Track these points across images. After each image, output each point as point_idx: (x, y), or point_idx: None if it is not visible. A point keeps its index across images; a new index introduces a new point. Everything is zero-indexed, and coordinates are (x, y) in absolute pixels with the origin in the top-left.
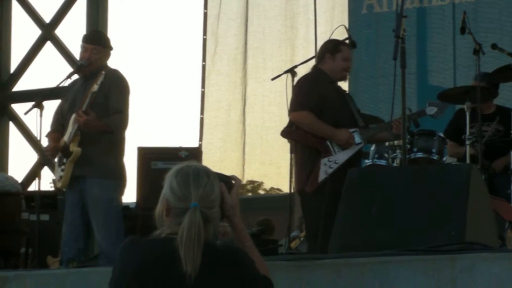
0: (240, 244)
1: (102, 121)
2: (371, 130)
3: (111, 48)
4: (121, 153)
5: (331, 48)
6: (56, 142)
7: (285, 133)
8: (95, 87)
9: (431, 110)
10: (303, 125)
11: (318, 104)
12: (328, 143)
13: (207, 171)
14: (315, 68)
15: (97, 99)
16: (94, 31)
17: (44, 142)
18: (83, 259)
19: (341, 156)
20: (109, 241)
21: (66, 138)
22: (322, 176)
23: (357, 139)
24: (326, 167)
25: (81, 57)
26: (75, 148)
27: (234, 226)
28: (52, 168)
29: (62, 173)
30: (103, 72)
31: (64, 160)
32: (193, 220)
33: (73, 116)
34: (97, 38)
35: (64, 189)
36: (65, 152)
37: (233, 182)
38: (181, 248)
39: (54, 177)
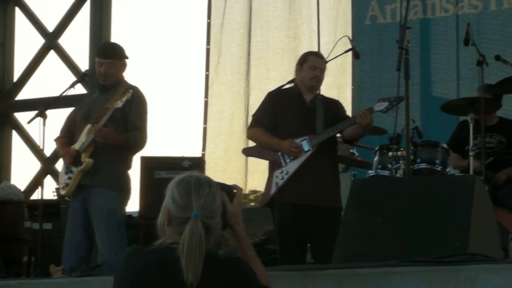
0: (242, 253)
1: (122, 135)
2: (323, 134)
3: (126, 58)
4: (128, 166)
5: (299, 60)
6: (67, 146)
7: (245, 151)
8: (119, 104)
9: (379, 106)
10: (255, 141)
11: (272, 118)
12: (280, 155)
13: (208, 181)
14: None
15: (116, 113)
16: (108, 44)
17: (48, 150)
18: (86, 267)
19: (292, 166)
20: (111, 251)
21: (77, 146)
22: (273, 189)
23: (305, 146)
24: (277, 179)
25: (97, 72)
26: (87, 159)
27: (236, 235)
28: (55, 177)
29: (68, 181)
30: (131, 91)
31: (73, 169)
32: (195, 230)
33: (88, 126)
34: (111, 52)
35: (67, 197)
36: (75, 160)
37: (235, 191)
38: (182, 257)
39: (58, 186)
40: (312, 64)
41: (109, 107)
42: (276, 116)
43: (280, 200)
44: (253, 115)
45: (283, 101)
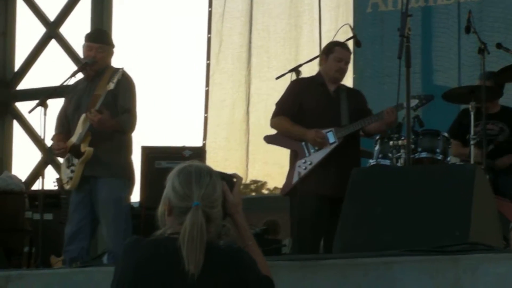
0: (242, 243)
1: (115, 119)
2: (349, 127)
3: (113, 46)
4: (129, 151)
5: (325, 49)
6: (60, 141)
7: (267, 138)
8: (111, 86)
9: (411, 102)
10: (279, 130)
11: (296, 107)
12: (303, 145)
13: (209, 170)
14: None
15: (108, 98)
16: (97, 30)
17: (49, 140)
18: (87, 258)
19: (316, 157)
20: (117, 240)
21: (74, 139)
22: (295, 178)
23: (331, 138)
24: (300, 169)
25: (85, 56)
26: (87, 148)
27: (236, 224)
28: (56, 167)
29: (71, 174)
30: (121, 70)
31: (74, 161)
32: (195, 220)
33: (83, 116)
34: (101, 37)
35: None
36: (74, 152)
37: (234, 180)
38: (183, 247)
39: (62, 177)
40: (337, 56)
41: (99, 93)
42: (300, 105)
43: (302, 190)
44: (277, 104)
45: (306, 90)
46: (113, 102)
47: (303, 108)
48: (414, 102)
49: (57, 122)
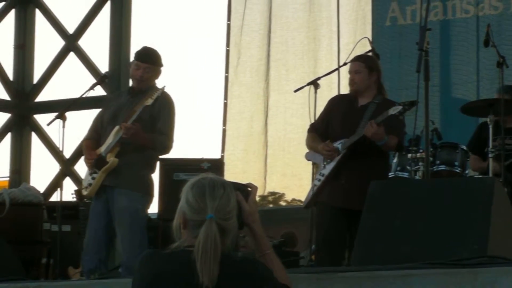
0: (260, 251)
1: (149, 135)
2: (354, 136)
3: (161, 66)
4: (153, 168)
5: None
6: (91, 150)
7: (307, 155)
8: (149, 101)
9: (394, 110)
10: (307, 147)
11: (324, 123)
12: (322, 159)
13: (223, 183)
14: None
15: (144, 114)
16: (147, 49)
17: (67, 152)
18: (104, 270)
19: (328, 169)
20: (132, 252)
21: (103, 149)
22: (311, 191)
23: (341, 148)
24: (316, 181)
25: (132, 75)
26: (112, 158)
27: (253, 233)
28: (75, 179)
29: (92, 181)
30: (161, 89)
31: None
32: (209, 232)
33: (117, 127)
34: (150, 57)
35: (89, 198)
36: (98, 163)
37: (249, 189)
38: (197, 260)
39: (82, 182)
40: (350, 69)
41: (137, 109)
42: (328, 121)
43: (317, 202)
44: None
45: (337, 106)
46: (149, 120)
47: (332, 124)
48: (398, 109)
49: (91, 127)
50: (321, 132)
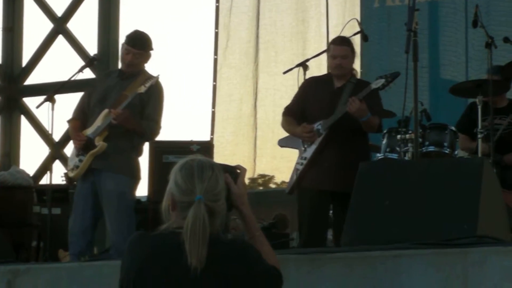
0: (249, 234)
1: (138, 121)
2: (333, 116)
3: (152, 50)
4: (140, 153)
5: (326, 49)
6: (78, 130)
7: (280, 142)
8: (142, 89)
9: (376, 84)
10: (284, 130)
11: (300, 106)
12: (301, 142)
13: (211, 164)
14: None
15: (135, 100)
16: (138, 34)
17: (57, 135)
18: (92, 252)
19: (309, 152)
20: (120, 235)
21: (90, 131)
22: (294, 175)
23: (322, 130)
24: (298, 165)
25: (122, 58)
26: (101, 142)
27: (242, 215)
28: (64, 162)
29: (79, 163)
30: (155, 78)
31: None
32: (198, 214)
33: (106, 111)
34: (140, 43)
35: (75, 180)
36: (86, 146)
37: (238, 171)
38: (186, 241)
39: (68, 163)
40: (332, 54)
41: (128, 93)
42: (304, 104)
43: (300, 186)
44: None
45: (313, 88)
46: (139, 105)
47: (306, 106)
48: (380, 82)
49: (77, 107)
50: (297, 115)
